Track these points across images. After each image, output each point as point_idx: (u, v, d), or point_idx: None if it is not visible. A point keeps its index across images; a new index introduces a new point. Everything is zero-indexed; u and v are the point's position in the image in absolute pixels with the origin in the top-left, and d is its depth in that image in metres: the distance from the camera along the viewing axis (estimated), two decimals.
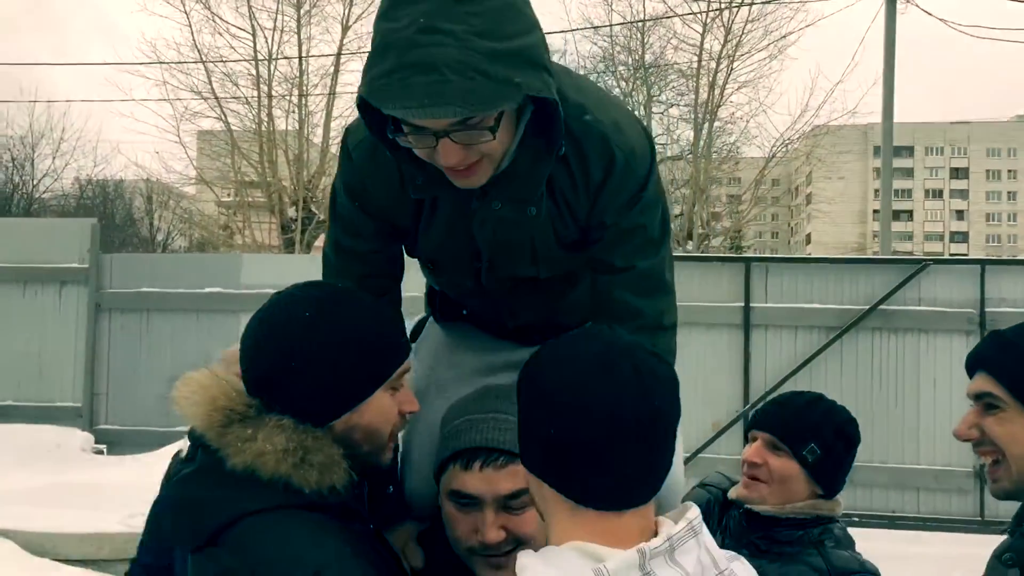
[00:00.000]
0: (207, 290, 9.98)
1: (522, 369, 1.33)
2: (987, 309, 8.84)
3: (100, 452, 9.82)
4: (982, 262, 9.16)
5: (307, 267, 10.36)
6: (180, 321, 10.03)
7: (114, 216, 42.53)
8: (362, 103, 1.53)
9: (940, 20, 18.05)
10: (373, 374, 1.55)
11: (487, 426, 1.62)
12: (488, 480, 1.59)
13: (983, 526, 8.84)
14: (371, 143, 1.70)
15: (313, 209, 21.78)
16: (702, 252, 18.00)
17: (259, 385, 1.54)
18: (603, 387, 1.19)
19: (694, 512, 1.26)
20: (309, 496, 1.44)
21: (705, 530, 1.26)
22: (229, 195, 24.95)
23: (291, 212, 21.68)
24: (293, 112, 21.99)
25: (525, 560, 1.21)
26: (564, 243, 1.78)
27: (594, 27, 21.85)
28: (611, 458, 1.19)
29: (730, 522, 2.27)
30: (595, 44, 22.30)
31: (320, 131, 22.33)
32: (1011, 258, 20.87)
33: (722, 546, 1.28)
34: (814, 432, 2.20)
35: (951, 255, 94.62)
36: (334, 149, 22.69)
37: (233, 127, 21.59)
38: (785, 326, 9.08)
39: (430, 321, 2.11)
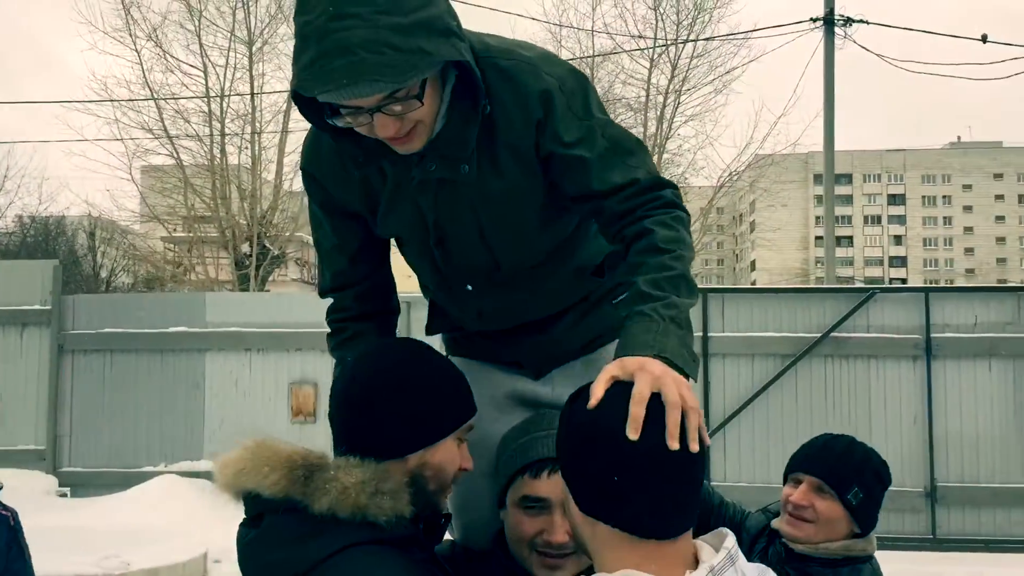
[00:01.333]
0: (171, 329, 10.00)
1: (563, 416, 1.52)
2: (932, 335, 9.24)
3: (64, 495, 9.75)
4: (926, 290, 9.59)
5: (270, 304, 10.47)
6: (144, 361, 10.03)
7: (56, 253, 41.84)
8: (297, 96, 1.66)
9: (877, 55, 18.70)
10: (451, 418, 1.75)
11: (551, 440, 1.75)
12: (556, 485, 1.73)
13: (935, 543, 9.19)
14: (312, 146, 1.89)
15: (267, 245, 21.76)
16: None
17: (347, 429, 1.73)
18: (648, 429, 1.38)
19: (731, 540, 1.44)
20: (378, 531, 1.61)
21: (741, 556, 1.44)
22: (178, 230, 24.81)
23: (245, 248, 21.64)
24: (246, 148, 22.03)
25: None
26: (521, 208, 1.87)
27: None
28: (661, 492, 1.38)
29: (770, 548, 2.46)
30: None
31: (274, 167, 22.36)
32: (954, 285, 21.50)
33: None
34: (858, 476, 2.40)
35: (891, 279, 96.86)
36: (287, 185, 22.72)
37: (185, 163, 21.54)
38: (742, 354, 9.39)
39: None
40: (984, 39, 18.58)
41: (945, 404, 9.23)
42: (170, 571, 7.31)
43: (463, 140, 1.77)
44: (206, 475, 9.69)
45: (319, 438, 9.82)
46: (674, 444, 1.38)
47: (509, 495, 1.88)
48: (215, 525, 8.81)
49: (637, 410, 1.39)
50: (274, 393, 9.96)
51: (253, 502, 1.68)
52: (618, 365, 1.49)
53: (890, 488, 9.04)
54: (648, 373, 1.44)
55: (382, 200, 1.90)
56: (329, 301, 2.17)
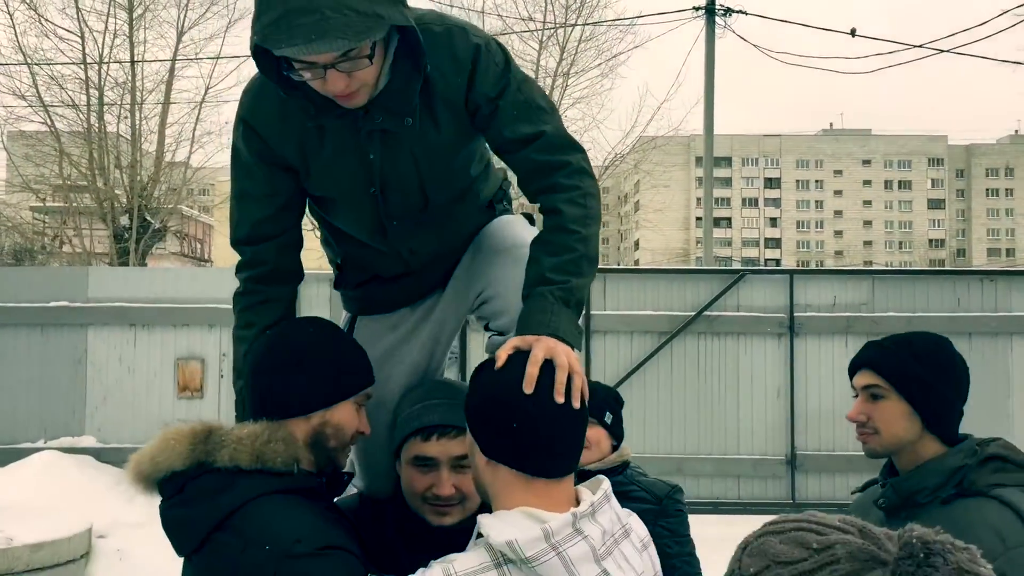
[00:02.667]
0: (52, 304, 9.80)
1: (473, 379, 1.82)
2: (795, 314, 9.89)
3: None
4: (791, 272, 10.19)
5: (156, 279, 10.37)
6: (23, 336, 9.81)
7: None
8: (255, 51, 1.82)
9: (754, 46, 19.51)
10: (350, 384, 2.01)
11: (441, 409, 2.11)
12: (444, 447, 2.06)
13: (795, 508, 9.87)
14: (259, 94, 2.03)
15: (147, 218, 21.23)
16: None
17: (258, 393, 1.97)
18: (541, 387, 1.70)
19: (607, 484, 1.76)
20: (284, 481, 1.85)
21: (613, 497, 1.77)
22: (49, 201, 23.92)
23: (124, 220, 21.06)
24: (126, 118, 21.36)
25: (485, 520, 1.65)
26: (450, 153, 2.09)
27: None
28: (550, 437, 1.69)
29: None
30: None
31: (155, 138, 21.76)
32: (815, 267, 22.67)
33: None
34: (606, 405, 3.31)
35: (766, 260, 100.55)
36: (169, 156, 22.17)
37: (60, 131, 20.78)
38: (622, 331, 9.85)
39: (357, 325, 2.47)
40: (853, 33, 19.61)
41: (806, 378, 9.89)
42: (54, 546, 7.27)
43: (406, 96, 1.98)
44: (89, 451, 9.61)
45: (206, 413, 9.85)
46: (560, 398, 1.71)
47: (403, 454, 2.15)
48: (99, 500, 8.75)
49: (532, 370, 1.72)
50: (160, 368, 9.89)
51: (173, 478, 1.87)
52: (519, 339, 1.82)
53: (754, 456, 9.86)
54: (543, 344, 1.78)
55: (320, 158, 2.07)
56: (233, 279, 2.30)
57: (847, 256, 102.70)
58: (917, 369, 2.31)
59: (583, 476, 2.98)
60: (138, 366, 9.88)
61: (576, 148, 2.09)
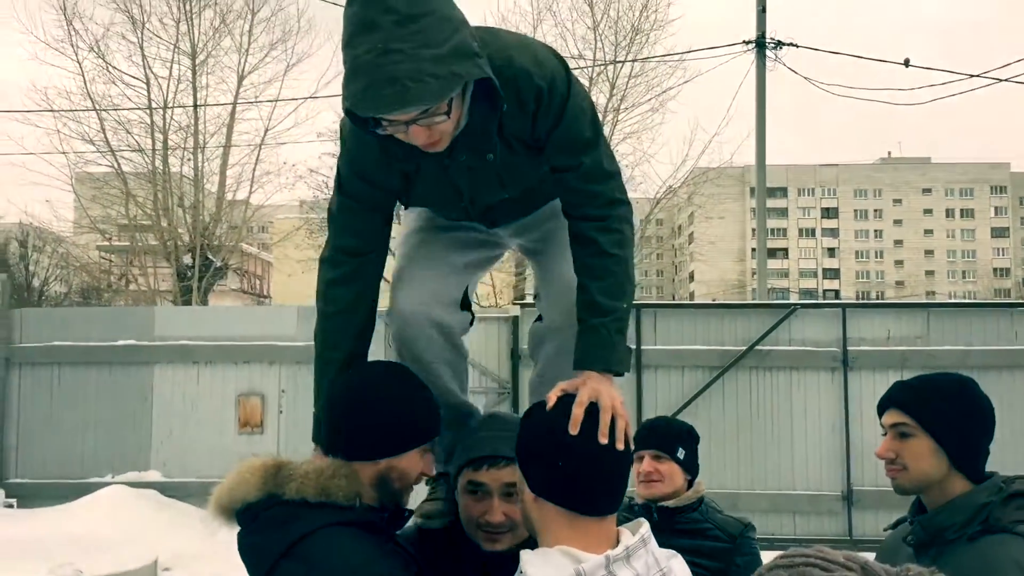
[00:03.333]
0: (120, 343, 10.17)
1: (524, 419, 1.96)
2: (848, 348, 9.85)
3: (10, 506, 9.86)
4: (843, 305, 10.16)
5: (218, 317, 10.71)
6: (93, 374, 10.18)
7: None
8: (348, 111, 2.02)
9: (805, 78, 19.49)
10: (417, 436, 2.16)
11: (492, 441, 2.27)
12: (494, 476, 2.23)
13: (852, 545, 9.76)
14: (360, 136, 2.19)
15: (209, 256, 21.81)
16: None
17: (334, 434, 2.12)
18: (587, 428, 1.84)
19: (646, 528, 1.86)
20: (346, 514, 2.00)
21: (653, 540, 1.86)
22: (115, 241, 24.64)
23: (187, 259, 21.67)
24: (189, 160, 22.05)
25: (527, 556, 1.76)
26: (521, 167, 2.31)
27: None
28: (593, 477, 1.82)
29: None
30: None
31: (216, 179, 22.41)
32: (868, 301, 22.38)
33: None
34: (679, 441, 3.34)
35: (824, 291, 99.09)
36: (230, 195, 22.81)
37: (127, 174, 21.51)
38: (673, 366, 9.89)
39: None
40: (907, 63, 19.49)
41: (861, 413, 9.81)
42: None
43: (487, 134, 2.19)
44: (154, 485, 9.91)
45: (266, 448, 10.10)
46: (603, 440, 1.85)
47: (459, 482, 2.30)
48: (164, 534, 9.03)
49: (578, 411, 1.87)
50: (221, 405, 10.19)
51: (248, 509, 2.04)
52: (568, 383, 1.99)
53: (809, 492, 9.82)
54: (589, 387, 1.94)
55: (417, 186, 2.31)
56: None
57: (908, 286, 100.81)
58: (943, 408, 2.40)
59: (663, 513, 3.17)
60: (200, 402, 10.18)
61: (611, 177, 2.27)
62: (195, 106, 21.82)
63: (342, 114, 2.15)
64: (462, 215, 2.46)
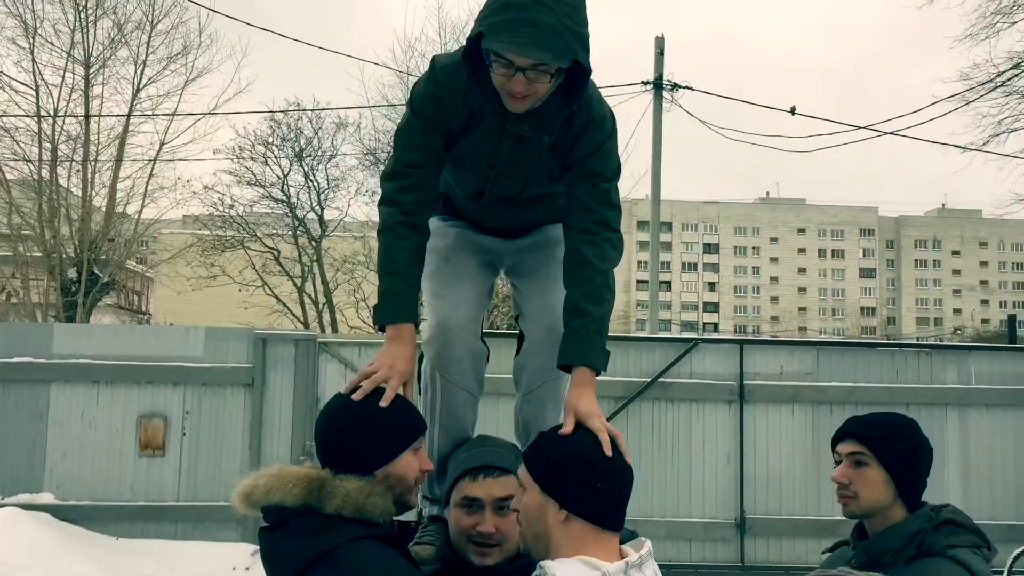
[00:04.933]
0: (15, 360, 9.82)
1: (547, 445, 2.15)
2: (745, 382, 10.34)
3: None
4: (741, 341, 10.69)
5: (119, 336, 10.44)
6: None
7: None
8: (474, 38, 2.33)
9: (701, 121, 20.30)
10: (404, 438, 2.30)
11: (485, 455, 2.48)
12: (487, 487, 2.40)
13: (744, 570, 10.21)
14: (453, 70, 2.51)
15: (95, 271, 21.11)
16: (495, 328, 19.03)
17: (328, 453, 2.25)
18: (616, 455, 2.09)
19: (648, 544, 2.09)
20: (373, 529, 2.13)
21: (652, 560, 2.08)
22: None
23: (72, 273, 20.91)
24: (78, 172, 21.32)
25: (548, 564, 1.95)
26: (549, 172, 2.63)
27: (390, 104, 22.83)
28: (621, 494, 2.06)
29: None
30: (389, 119, 23.20)
31: (106, 192, 21.70)
32: (764, 338, 23.42)
33: None
34: None
35: (704, 324, 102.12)
36: (120, 209, 22.12)
37: (11, 184, 20.66)
38: None
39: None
40: (793, 111, 20.53)
41: (754, 444, 10.31)
42: None
43: (553, 119, 2.51)
44: (47, 508, 9.57)
45: (167, 472, 9.91)
46: (608, 452, 2.11)
47: (453, 496, 2.47)
48: (59, 556, 8.75)
49: (605, 437, 2.15)
50: (121, 426, 9.93)
51: (278, 511, 2.18)
52: (576, 413, 2.25)
53: (705, 519, 10.30)
54: (596, 417, 2.23)
55: (470, 134, 2.59)
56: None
57: (783, 322, 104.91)
58: (897, 444, 2.69)
59: None
60: (99, 423, 9.91)
61: (613, 207, 2.63)
62: (87, 116, 21.14)
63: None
64: (475, 183, 2.71)
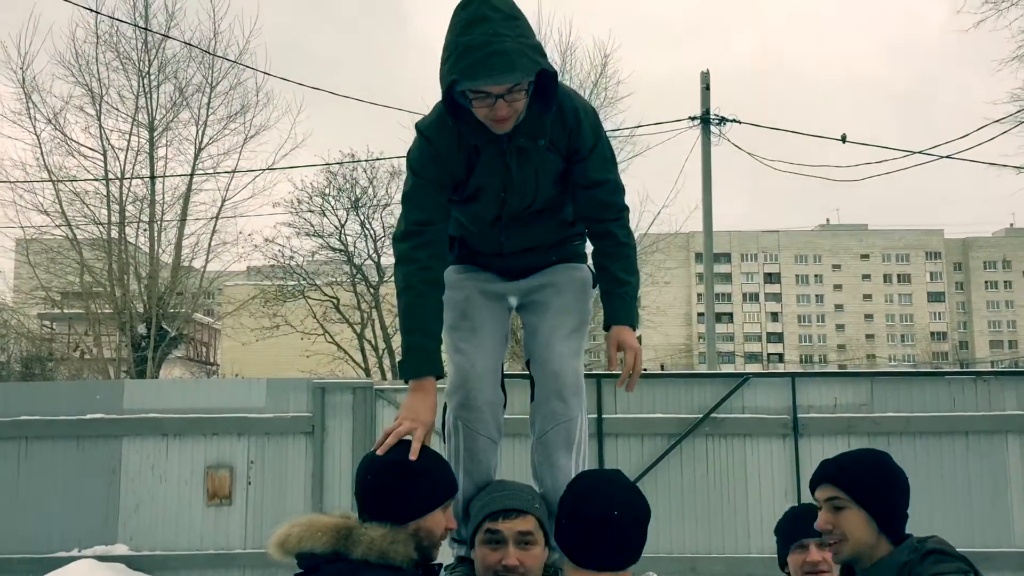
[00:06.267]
0: (88, 416, 10.25)
1: (563, 499, 2.39)
2: (798, 415, 10.32)
3: None
4: (792, 375, 10.65)
5: (186, 389, 10.85)
6: (60, 447, 10.24)
7: None
8: (448, 88, 2.58)
9: (749, 154, 20.36)
10: (438, 498, 2.51)
11: (504, 498, 2.69)
12: (509, 526, 2.63)
13: None
14: (437, 123, 2.78)
15: (164, 326, 21.82)
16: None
17: (369, 502, 2.45)
18: (603, 495, 2.26)
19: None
20: (397, 572, 2.32)
21: None
22: (65, 308, 24.45)
23: (141, 329, 21.64)
24: (145, 231, 22.15)
25: None
26: (555, 174, 2.89)
27: None
28: (622, 543, 2.22)
29: None
30: None
31: (172, 249, 22.48)
32: (815, 371, 23.07)
33: None
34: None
35: (769, 354, 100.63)
36: (186, 263, 22.89)
37: (83, 244, 21.52)
38: (633, 434, 10.27)
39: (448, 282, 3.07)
40: (844, 139, 20.49)
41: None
42: None
43: (541, 125, 2.78)
44: (121, 559, 9.93)
45: (234, 520, 10.23)
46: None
47: (477, 537, 2.65)
48: None
49: (637, 368, 2.96)
50: (190, 477, 10.29)
51: (309, 558, 2.38)
52: (619, 343, 2.98)
53: (764, 555, 10.20)
54: (632, 351, 2.96)
55: (477, 170, 2.85)
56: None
57: (850, 350, 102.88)
58: (868, 480, 2.67)
59: None
60: (169, 475, 10.28)
61: (623, 192, 3.04)
62: (152, 177, 22.01)
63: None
64: (490, 211, 2.96)
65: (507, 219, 2.97)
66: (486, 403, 2.94)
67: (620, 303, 2.98)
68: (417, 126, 2.86)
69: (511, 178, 2.85)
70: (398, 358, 2.94)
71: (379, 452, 2.54)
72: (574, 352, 3.04)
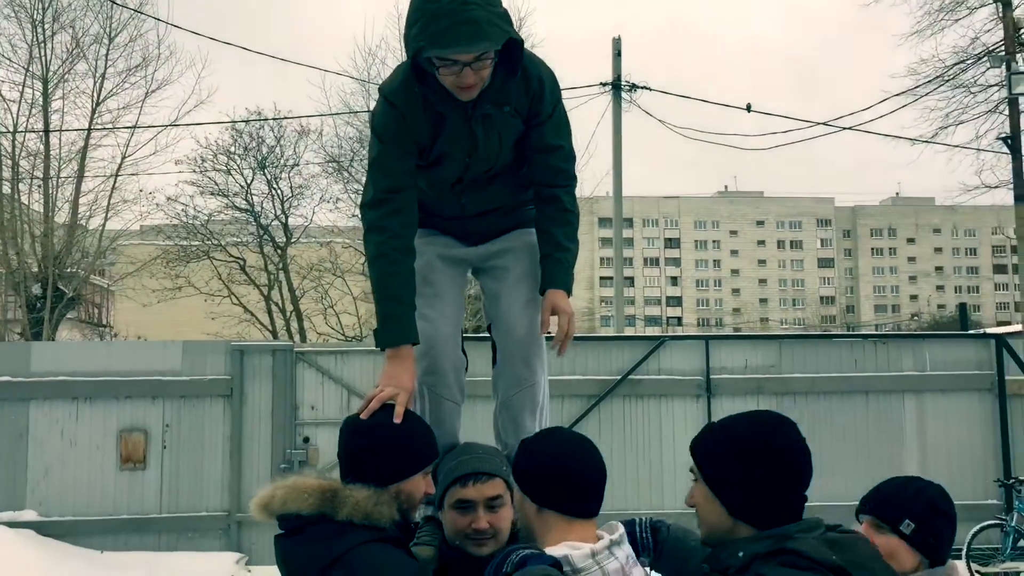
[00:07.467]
0: None
1: (527, 450, 2.45)
2: (711, 376, 10.68)
3: None
4: (707, 338, 11.01)
5: (97, 352, 10.55)
6: None
7: None
8: (416, 53, 2.58)
9: (659, 121, 20.68)
10: (419, 463, 2.55)
11: (473, 462, 2.71)
12: (479, 490, 2.64)
13: None
14: (402, 88, 2.76)
15: (60, 287, 21.01)
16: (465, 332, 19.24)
17: (350, 464, 2.49)
18: (585, 453, 2.37)
19: (622, 528, 2.38)
20: (381, 532, 2.37)
21: (627, 542, 2.36)
22: None
23: (36, 290, 20.81)
24: (39, 188, 21.21)
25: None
26: (515, 139, 2.92)
27: (352, 112, 22.95)
28: (592, 489, 2.32)
29: None
30: (351, 126, 23.32)
31: (68, 207, 21.60)
32: (729, 333, 23.81)
33: None
34: (907, 508, 2.55)
35: (668, 318, 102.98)
36: (83, 222, 22.03)
37: None
38: (554, 396, 10.42)
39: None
40: (748, 108, 21.00)
41: None
42: None
43: (505, 91, 2.79)
44: (31, 525, 9.66)
45: (149, 483, 10.04)
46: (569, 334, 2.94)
47: (446, 500, 2.71)
48: (45, 572, 8.86)
49: (570, 331, 2.98)
50: (102, 441, 10.05)
51: (294, 519, 2.40)
52: (554, 307, 2.93)
53: (676, 511, 10.68)
54: (566, 315, 2.94)
55: (442, 135, 2.84)
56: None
57: (745, 314, 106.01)
58: (717, 453, 2.19)
59: None
60: (80, 439, 10.02)
61: (574, 159, 3.05)
62: (47, 131, 21.06)
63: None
64: (453, 174, 2.94)
65: (467, 182, 2.97)
66: (451, 368, 2.99)
67: (559, 267, 2.95)
68: (381, 90, 2.84)
69: (477, 144, 2.85)
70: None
71: (363, 416, 2.56)
72: (534, 317, 3.08)
